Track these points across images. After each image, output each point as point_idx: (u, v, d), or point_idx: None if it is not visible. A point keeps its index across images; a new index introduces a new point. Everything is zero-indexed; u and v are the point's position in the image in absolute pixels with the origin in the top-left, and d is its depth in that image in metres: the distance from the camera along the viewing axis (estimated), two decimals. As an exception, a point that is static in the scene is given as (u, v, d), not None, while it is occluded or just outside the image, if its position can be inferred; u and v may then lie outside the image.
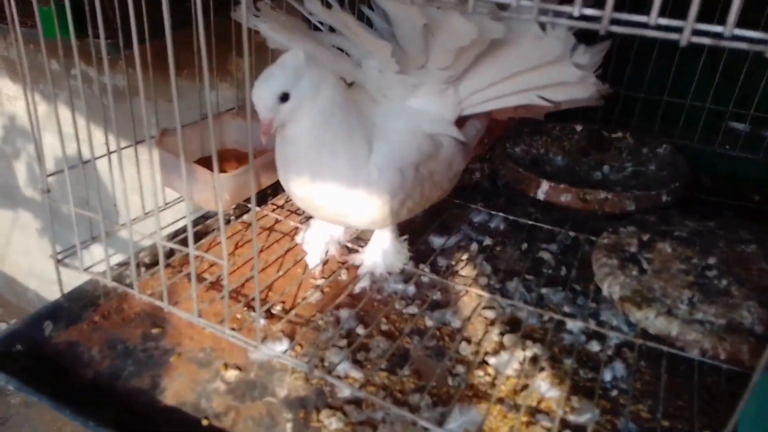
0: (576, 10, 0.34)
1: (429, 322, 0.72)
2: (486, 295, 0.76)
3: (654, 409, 0.59)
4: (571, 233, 0.86)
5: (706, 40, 0.32)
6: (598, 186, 0.90)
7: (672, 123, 1.08)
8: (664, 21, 0.32)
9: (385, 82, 0.65)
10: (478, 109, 0.69)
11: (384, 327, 0.71)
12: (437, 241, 0.87)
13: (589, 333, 0.70)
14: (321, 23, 0.67)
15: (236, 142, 0.88)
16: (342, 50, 0.66)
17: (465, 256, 0.85)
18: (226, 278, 0.54)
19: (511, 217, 0.91)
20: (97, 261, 0.68)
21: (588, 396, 0.61)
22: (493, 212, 0.93)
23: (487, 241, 0.89)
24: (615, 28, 0.34)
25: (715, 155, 1.06)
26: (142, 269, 0.76)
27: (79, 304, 0.67)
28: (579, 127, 1.07)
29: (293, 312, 0.72)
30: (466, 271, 0.82)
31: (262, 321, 0.69)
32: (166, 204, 0.81)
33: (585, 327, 0.69)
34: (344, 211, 0.65)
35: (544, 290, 0.78)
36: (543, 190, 0.87)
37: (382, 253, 0.75)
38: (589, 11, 0.34)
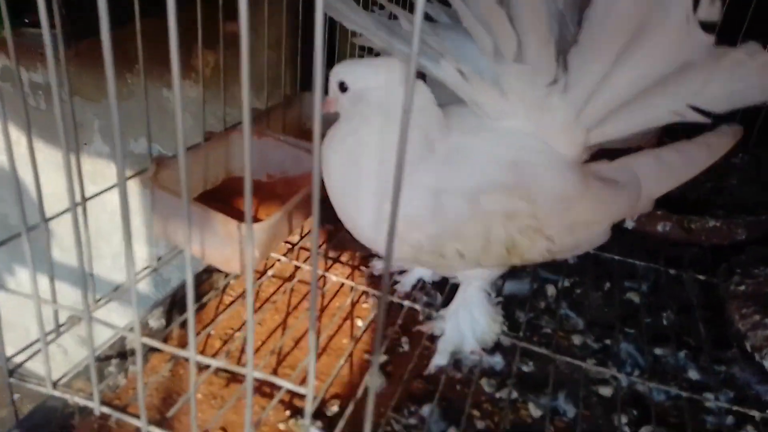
0: None
1: (535, 411, 0.54)
2: (592, 366, 0.59)
3: None
4: (672, 270, 0.70)
5: None
6: (679, 206, 0.75)
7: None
8: None
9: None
10: (609, 134, 0.50)
11: (480, 425, 0.53)
12: (508, 287, 0.69)
13: (737, 413, 0.54)
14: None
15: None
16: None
17: (543, 304, 0.68)
18: None
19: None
20: (74, 366, 0.45)
21: None
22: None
23: (563, 282, 0.72)
24: None
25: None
26: (128, 359, 0.54)
27: (44, 433, 0.45)
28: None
29: (353, 409, 0.52)
30: (553, 326, 0.65)
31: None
32: (158, 259, 0.58)
33: (731, 407, 0.54)
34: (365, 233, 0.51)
35: (657, 351, 0.62)
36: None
37: (470, 320, 0.56)
38: None
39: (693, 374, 0.59)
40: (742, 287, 0.59)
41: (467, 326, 0.57)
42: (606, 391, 0.57)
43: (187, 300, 0.33)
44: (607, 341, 0.63)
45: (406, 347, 0.60)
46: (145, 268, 0.57)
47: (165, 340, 0.55)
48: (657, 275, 0.72)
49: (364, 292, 0.66)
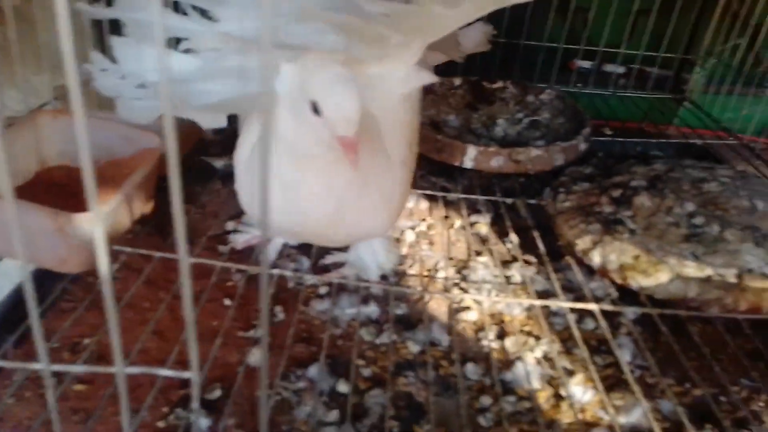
0: None
1: (414, 347, 0.57)
2: (454, 295, 0.63)
3: (685, 379, 0.55)
4: (508, 200, 0.77)
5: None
6: (504, 142, 0.83)
7: (528, 67, 1.06)
8: None
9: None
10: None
11: (365, 372, 0.54)
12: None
13: (578, 311, 0.62)
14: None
15: (64, 154, 0.57)
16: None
17: (406, 250, 0.71)
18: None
19: (428, 192, 0.78)
20: None
21: (623, 388, 0.54)
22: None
23: (420, 227, 0.76)
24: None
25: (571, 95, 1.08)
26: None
27: None
28: (458, 81, 0.98)
29: (238, 388, 0.50)
30: (417, 269, 0.68)
31: (204, 421, 0.46)
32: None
33: (572, 306, 0.62)
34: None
35: (507, 272, 0.69)
36: (471, 156, 0.76)
37: (371, 252, 0.62)
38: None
39: (538, 286, 0.67)
40: (567, 203, 0.68)
41: (369, 257, 0.61)
42: (470, 315, 0.62)
43: (27, 303, 0.28)
44: (465, 272, 0.68)
45: (281, 316, 0.59)
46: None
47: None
48: (496, 206, 0.79)
49: (225, 270, 0.63)
